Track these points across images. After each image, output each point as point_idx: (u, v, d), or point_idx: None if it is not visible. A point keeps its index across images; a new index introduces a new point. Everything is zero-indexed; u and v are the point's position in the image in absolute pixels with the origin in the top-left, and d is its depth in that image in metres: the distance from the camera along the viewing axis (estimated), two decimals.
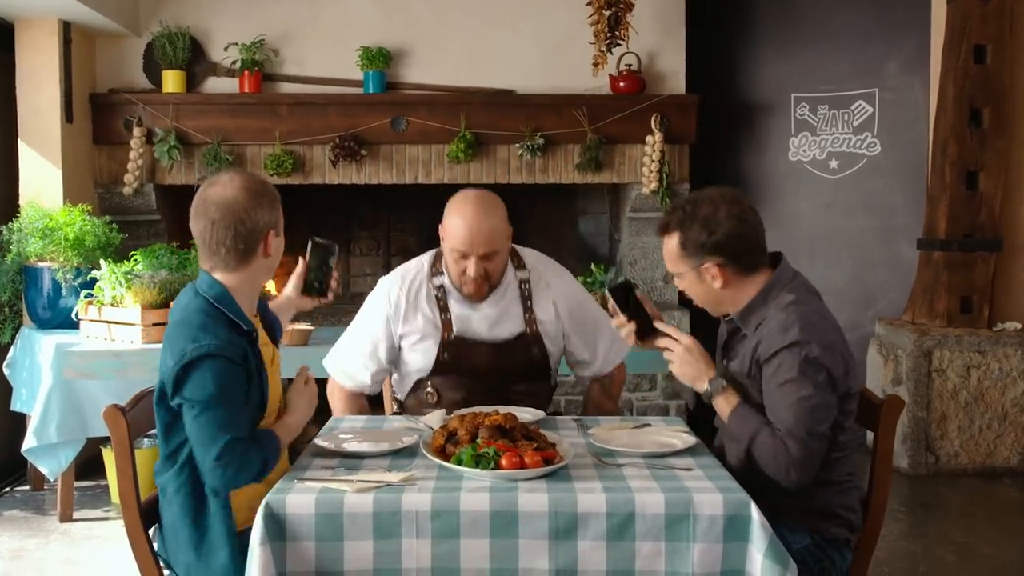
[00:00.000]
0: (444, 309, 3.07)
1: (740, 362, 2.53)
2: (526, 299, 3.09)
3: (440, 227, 3.03)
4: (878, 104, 6.07)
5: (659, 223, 2.59)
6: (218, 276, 2.40)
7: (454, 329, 3.05)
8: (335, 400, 3.18)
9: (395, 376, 3.24)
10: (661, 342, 2.56)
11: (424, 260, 3.17)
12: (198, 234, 2.39)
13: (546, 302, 3.11)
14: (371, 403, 3.24)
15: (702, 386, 2.51)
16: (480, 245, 2.94)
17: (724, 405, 2.49)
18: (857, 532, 2.52)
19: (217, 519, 2.31)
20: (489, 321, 3.06)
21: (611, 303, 2.61)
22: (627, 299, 2.59)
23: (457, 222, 2.95)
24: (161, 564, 2.41)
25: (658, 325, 2.58)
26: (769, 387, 2.40)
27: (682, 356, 2.53)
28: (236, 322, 2.35)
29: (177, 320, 2.36)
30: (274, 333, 2.61)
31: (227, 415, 2.25)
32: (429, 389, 3.08)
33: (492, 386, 3.03)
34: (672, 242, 2.54)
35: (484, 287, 3.02)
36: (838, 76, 6.10)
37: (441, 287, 3.09)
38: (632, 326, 2.58)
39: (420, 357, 3.07)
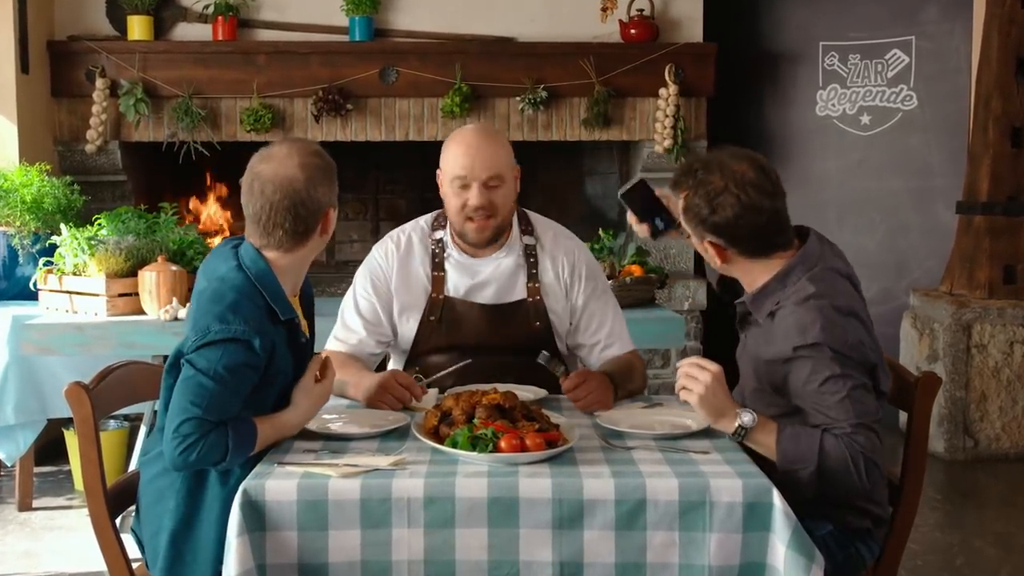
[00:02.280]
0: (438, 267, 3.06)
1: (755, 347, 2.51)
2: (531, 266, 3.07)
3: (438, 172, 3.02)
4: (915, 53, 6.04)
5: (672, 176, 2.57)
6: (268, 254, 2.43)
7: (445, 290, 3.04)
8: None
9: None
10: (681, 371, 2.39)
11: (422, 218, 3.16)
12: (252, 213, 2.42)
13: (553, 272, 3.08)
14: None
15: (729, 424, 2.35)
16: (482, 169, 2.92)
17: (765, 435, 2.34)
18: (882, 526, 2.52)
19: (215, 484, 2.34)
20: (487, 284, 3.04)
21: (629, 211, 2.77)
22: (640, 202, 2.76)
23: (457, 148, 2.95)
24: (129, 549, 2.42)
25: (680, 363, 2.45)
26: (807, 391, 2.36)
27: (711, 387, 2.32)
28: (273, 308, 2.38)
29: (212, 290, 2.37)
30: (310, 309, 2.64)
31: (216, 395, 2.26)
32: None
33: (485, 363, 2.98)
34: (680, 203, 2.52)
35: (488, 225, 2.98)
36: (871, 22, 6.07)
37: (440, 242, 3.08)
38: (645, 226, 2.73)
39: (411, 325, 3.05)
